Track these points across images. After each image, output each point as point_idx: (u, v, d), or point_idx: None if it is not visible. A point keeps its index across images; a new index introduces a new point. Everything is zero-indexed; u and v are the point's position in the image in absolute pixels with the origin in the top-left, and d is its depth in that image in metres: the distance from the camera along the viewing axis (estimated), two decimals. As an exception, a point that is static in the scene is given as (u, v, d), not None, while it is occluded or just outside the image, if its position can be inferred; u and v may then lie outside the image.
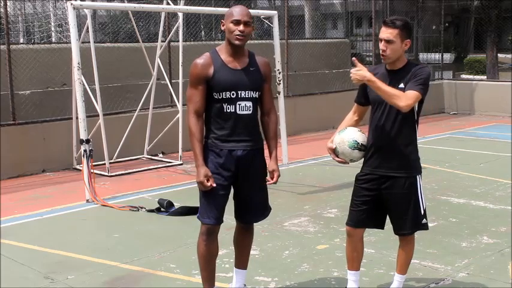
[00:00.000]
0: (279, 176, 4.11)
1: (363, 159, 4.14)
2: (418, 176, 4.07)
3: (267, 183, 4.10)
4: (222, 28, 3.94)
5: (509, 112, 14.43)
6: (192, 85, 3.93)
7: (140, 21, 15.29)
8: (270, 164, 4.09)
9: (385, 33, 3.91)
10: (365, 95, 4.17)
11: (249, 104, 3.94)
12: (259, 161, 4.06)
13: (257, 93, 3.99)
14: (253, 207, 4.12)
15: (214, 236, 4.00)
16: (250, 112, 3.95)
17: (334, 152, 4.14)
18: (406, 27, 3.93)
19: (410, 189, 4.03)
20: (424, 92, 3.91)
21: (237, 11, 3.90)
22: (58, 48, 10.62)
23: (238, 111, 3.91)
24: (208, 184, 3.86)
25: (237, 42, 3.88)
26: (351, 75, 3.92)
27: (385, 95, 3.86)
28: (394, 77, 3.99)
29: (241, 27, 3.85)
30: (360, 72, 3.89)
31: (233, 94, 3.88)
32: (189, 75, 3.96)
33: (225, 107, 3.90)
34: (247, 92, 3.92)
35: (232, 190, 4.07)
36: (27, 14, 16.75)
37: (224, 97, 3.88)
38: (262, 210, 4.18)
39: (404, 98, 3.82)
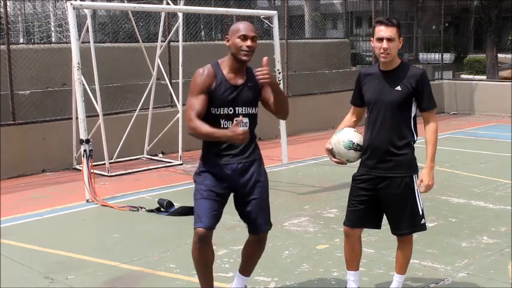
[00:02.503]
0: (269, 77, 3.78)
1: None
2: (414, 176, 4.07)
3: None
4: (227, 44, 3.88)
5: (509, 112, 14.44)
6: (194, 94, 3.86)
7: (140, 21, 15.29)
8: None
9: (386, 31, 3.93)
10: (360, 96, 4.18)
11: (246, 120, 3.92)
12: (255, 170, 4.00)
13: (254, 108, 3.97)
14: (256, 219, 4.04)
15: (207, 242, 3.89)
16: (247, 128, 3.91)
17: (331, 152, 4.15)
18: (399, 25, 4.01)
19: (407, 189, 4.03)
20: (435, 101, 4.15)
21: (244, 27, 3.86)
22: (58, 48, 10.63)
23: None
24: (243, 129, 3.73)
25: (244, 58, 3.85)
26: (425, 189, 4.08)
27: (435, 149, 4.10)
28: (389, 78, 4.01)
29: (248, 42, 3.82)
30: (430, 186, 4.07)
31: (231, 110, 3.86)
32: (190, 84, 3.91)
33: (222, 123, 3.87)
34: (244, 108, 3.90)
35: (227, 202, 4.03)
36: (27, 14, 16.76)
37: (222, 113, 3.86)
38: (265, 221, 4.09)
39: (435, 125, 4.07)
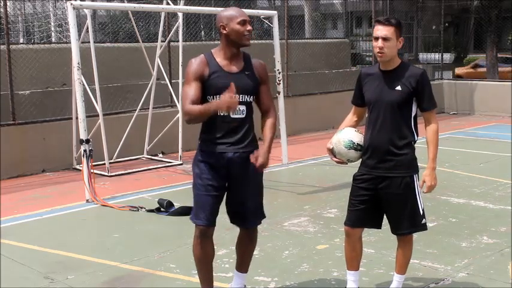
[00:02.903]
0: (263, 163, 3.87)
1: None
2: (414, 176, 4.07)
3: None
4: (224, 32, 3.88)
5: (509, 112, 14.44)
6: (188, 83, 3.90)
7: (140, 21, 15.30)
8: (259, 150, 3.94)
9: (383, 31, 3.94)
10: (361, 96, 4.18)
11: (243, 107, 3.92)
12: (252, 164, 3.96)
13: (251, 97, 3.97)
14: (246, 212, 4.06)
15: (208, 237, 3.95)
16: (244, 116, 3.93)
17: (332, 152, 4.16)
18: (399, 25, 3.98)
19: (407, 189, 4.03)
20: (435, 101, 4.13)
21: (239, 12, 3.89)
22: (58, 48, 10.63)
23: (231, 115, 3.88)
24: (235, 98, 3.71)
25: (248, 42, 3.89)
26: (428, 190, 4.07)
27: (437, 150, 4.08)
28: (389, 78, 4.01)
29: (248, 26, 3.87)
30: (433, 186, 4.07)
31: None
32: (185, 73, 3.95)
33: (219, 110, 3.87)
34: (241, 96, 3.88)
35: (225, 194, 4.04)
36: (27, 14, 16.76)
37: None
38: (255, 216, 4.11)
39: (436, 126, 4.05)
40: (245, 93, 3.92)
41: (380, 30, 3.94)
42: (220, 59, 3.93)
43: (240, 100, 3.89)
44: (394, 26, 3.94)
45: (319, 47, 15.53)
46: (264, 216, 4.20)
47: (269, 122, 4.06)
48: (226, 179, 3.96)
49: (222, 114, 3.86)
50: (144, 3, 13.69)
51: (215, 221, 3.97)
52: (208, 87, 3.86)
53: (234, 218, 4.12)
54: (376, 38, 3.95)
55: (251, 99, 3.98)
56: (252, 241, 4.22)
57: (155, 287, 4.72)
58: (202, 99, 3.89)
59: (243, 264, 4.27)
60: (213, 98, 3.85)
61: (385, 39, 3.92)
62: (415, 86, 3.98)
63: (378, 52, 3.95)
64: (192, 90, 3.85)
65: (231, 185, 4.00)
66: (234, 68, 3.93)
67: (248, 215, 4.08)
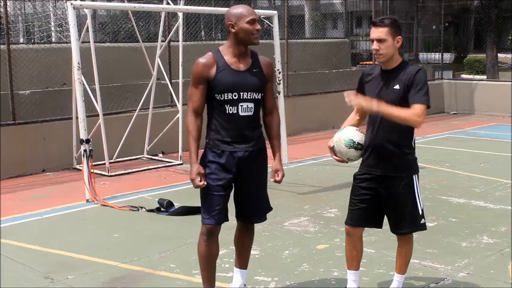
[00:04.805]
0: (283, 175, 4.11)
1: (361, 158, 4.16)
2: (414, 176, 4.07)
3: (272, 180, 4.09)
4: (233, 30, 3.87)
5: (509, 112, 14.44)
6: (193, 84, 3.94)
7: (140, 21, 15.29)
8: (274, 164, 4.11)
9: (376, 32, 3.93)
10: (362, 95, 4.17)
11: (251, 105, 3.93)
12: (260, 161, 4.06)
13: (259, 94, 3.98)
14: (254, 207, 4.12)
15: (214, 236, 3.99)
16: (252, 113, 3.94)
17: (332, 150, 4.16)
18: (394, 24, 3.94)
19: (407, 189, 4.03)
20: (429, 100, 3.91)
21: (248, 10, 3.89)
22: (58, 48, 10.63)
23: (240, 113, 3.90)
24: (201, 183, 3.89)
25: (256, 41, 3.90)
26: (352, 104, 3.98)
27: (397, 119, 3.86)
28: (388, 77, 4.00)
29: (257, 25, 3.88)
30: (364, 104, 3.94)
31: (235, 95, 3.87)
32: (191, 73, 3.97)
33: (227, 108, 3.88)
34: (249, 93, 3.90)
35: (232, 189, 4.08)
36: (27, 14, 16.77)
37: (226, 98, 3.87)
38: (263, 210, 4.18)
39: (415, 117, 3.82)
40: (252, 91, 3.93)
41: (374, 32, 3.94)
42: (228, 56, 3.92)
43: (248, 97, 3.91)
44: (388, 26, 3.90)
45: (319, 47, 15.53)
46: (271, 209, 4.24)
47: (275, 127, 4.14)
48: (235, 177, 3.98)
49: (230, 112, 3.89)
50: (144, 3, 13.69)
51: (223, 220, 4.00)
52: (216, 85, 3.87)
53: (242, 214, 4.14)
54: (372, 41, 3.95)
55: (259, 97, 3.98)
56: (250, 235, 4.27)
57: (155, 287, 4.72)
58: (210, 97, 3.91)
59: (242, 259, 4.29)
60: (221, 96, 3.87)
61: (379, 40, 3.92)
62: (409, 83, 3.92)
63: (375, 54, 3.95)
64: (197, 95, 3.91)
65: (240, 183, 4.02)
66: (242, 66, 3.93)
67: (257, 210, 4.13)
